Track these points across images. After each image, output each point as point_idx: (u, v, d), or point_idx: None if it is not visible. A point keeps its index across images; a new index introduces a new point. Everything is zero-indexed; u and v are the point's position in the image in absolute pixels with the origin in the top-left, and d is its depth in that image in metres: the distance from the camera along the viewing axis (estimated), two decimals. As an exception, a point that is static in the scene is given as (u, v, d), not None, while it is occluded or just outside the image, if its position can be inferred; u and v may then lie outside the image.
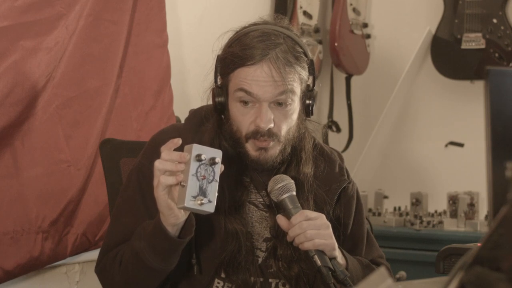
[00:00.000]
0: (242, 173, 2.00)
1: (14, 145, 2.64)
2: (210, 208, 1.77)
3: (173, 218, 1.82)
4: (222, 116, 1.99)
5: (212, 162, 1.78)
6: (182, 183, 1.76)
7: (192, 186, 1.75)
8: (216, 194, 1.78)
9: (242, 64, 1.91)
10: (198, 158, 1.76)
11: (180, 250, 1.88)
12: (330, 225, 1.90)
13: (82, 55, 2.83)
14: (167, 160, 1.78)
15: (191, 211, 1.81)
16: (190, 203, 1.75)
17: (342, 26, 4.07)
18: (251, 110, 1.92)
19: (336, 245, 1.90)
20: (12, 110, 2.61)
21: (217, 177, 1.78)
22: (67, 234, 2.80)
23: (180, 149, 1.82)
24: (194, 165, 1.76)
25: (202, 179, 1.76)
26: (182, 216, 1.83)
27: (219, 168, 1.79)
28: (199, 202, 1.76)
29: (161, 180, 1.77)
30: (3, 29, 2.59)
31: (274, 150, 1.94)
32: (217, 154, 1.79)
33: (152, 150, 2.01)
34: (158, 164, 1.79)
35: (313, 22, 4.01)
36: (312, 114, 2.02)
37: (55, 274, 2.87)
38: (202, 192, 1.76)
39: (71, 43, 2.79)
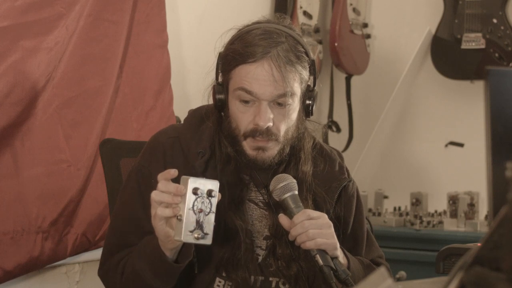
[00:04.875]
0: (241, 171, 2.00)
1: (14, 145, 2.64)
2: (207, 241, 1.78)
3: (171, 244, 1.83)
4: (222, 114, 1.99)
5: (209, 194, 1.77)
6: (178, 217, 1.77)
7: (189, 221, 1.76)
8: (213, 224, 1.78)
9: (243, 61, 1.91)
10: (195, 191, 1.76)
11: (179, 272, 1.89)
12: (332, 224, 1.89)
13: (82, 55, 2.83)
14: (163, 192, 1.78)
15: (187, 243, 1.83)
16: (187, 237, 1.76)
17: (342, 26, 4.07)
18: (251, 108, 1.92)
19: (338, 244, 1.90)
20: (12, 110, 2.62)
21: (214, 209, 1.78)
22: (67, 234, 2.80)
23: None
24: (190, 198, 1.76)
25: (199, 212, 1.76)
26: (180, 242, 1.83)
27: (216, 200, 1.78)
28: (196, 235, 1.76)
29: (158, 213, 1.78)
30: (3, 29, 2.59)
31: (272, 151, 1.94)
32: (214, 186, 1.78)
33: (151, 151, 2.01)
34: (154, 196, 1.79)
35: (313, 22, 4.01)
36: (312, 114, 2.02)
37: (55, 274, 2.87)
38: (199, 226, 1.77)
39: (71, 43, 2.79)
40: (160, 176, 1.80)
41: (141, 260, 1.90)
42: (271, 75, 1.89)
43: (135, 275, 1.91)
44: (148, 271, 1.88)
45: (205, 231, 1.77)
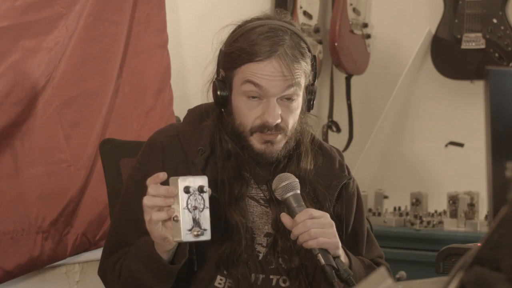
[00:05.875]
0: (241, 167, 2.00)
1: (14, 145, 2.64)
2: (206, 237, 1.79)
3: (168, 245, 1.83)
4: (223, 110, 1.99)
5: (201, 190, 1.78)
6: (174, 218, 1.77)
7: (186, 220, 1.76)
8: (209, 219, 1.79)
9: (250, 59, 1.91)
10: (186, 190, 1.77)
11: (176, 273, 1.90)
12: (334, 224, 1.90)
13: (82, 55, 2.83)
14: (155, 196, 1.78)
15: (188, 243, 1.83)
16: (186, 237, 1.77)
17: (342, 26, 4.07)
18: (258, 105, 1.93)
19: (340, 244, 1.90)
20: (12, 110, 2.62)
21: (207, 204, 1.79)
22: (67, 234, 2.80)
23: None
24: (183, 197, 1.77)
25: (194, 210, 1.77)
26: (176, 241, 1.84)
27: (208, 195, 1.79)
28: (195, 233, 1.77)
29: (153, 218, 1.78)
30: (3, 29, 2.59)
31: (280, 144, 1.95)
32: (204, 181, 1.79)
33: (149, 149, 2.01)
34: (146, 201, 1.79)
35: (313, 22, 4.01)
36: (312, 108, 2.03)
37: (55, 274, 2.87)
38: (196, 223, 1.77)
39: (71, 43, 2.79)
40: (149, 181, 1.81)
41: (137, 262, 1.90)
42: (280, 72, 1.90)
43: (132, 276, 1.91)
44: (145, 273, 1.88)
45: (203, 227, 1.77)
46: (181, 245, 1.86)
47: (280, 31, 1.94)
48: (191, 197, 1.77)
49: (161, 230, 1.80)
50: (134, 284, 1.92)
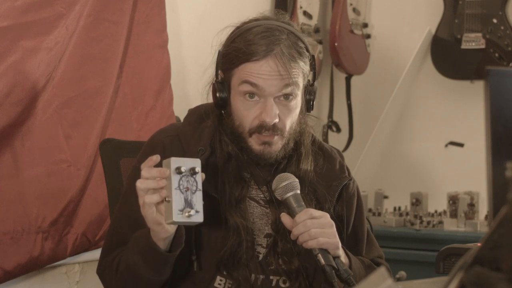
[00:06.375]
0: (242, 169, 2.00)
1: (14, 145, 2.64)
2: (198, 218, 1.77)
3: (164, 232, 1.83)
4: (223, 112, 1.99)
5: (193, 172, 1.78)
6: (166, 199, 1.77)
7: (177, 200, 1.76)
8: (202, 203, 1.78)
9: (247, 59, 1.91)
10: (178, 170, 1.76)
11: (172, 262, 1.89)
12: (334, 224, 1.90)
13: (82, 55, 2.83)
14: (147, 178, 1.79)
15: (180, 224, 1.82)
16: (178, 217, 1.75)
17: (342, 26, 4.07)
18: (256, 105, 1.93)
19: (340, 244, 1.90)
20: (12, 110, 2.62)
21: (200, 186, 1.78)
22: (67, 234, 2.80)
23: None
24: (175, 178, 1.76)
25: (186, 191, 1.77)
26: (172, 229, 1.84)
27: (200, 177, 1.79)
28: (186, 214, 1.76)
29: (146, 200, 1.78)
30: (3, 29, 2.59)
31: (278, 145, 1.95)
32: (196, 164, 1.79)
33: (150, 149, 2.01)
34: (139, 184, 1.80)
35: (313, 22, 4.01)
36: (312, 109, 2.03)
37: (55, 274, 2.87)
38: (188, 204, 1.76)
39: (71, 43, 2.79)
40: (143, 165, 1.81)
41: (134, 253, 1.90)
42: (276, 71, 1.90)
43: (129, 269, 1.91)
44: (141, 263, 1.88)
45: (195, 209, 1.76)
46: (177, 234, 1.86)
47: (276, 30, 1.94)
48: (183, 178, 1.77)
49: (155, 214, 1.79)
50: (131, 278, 1.92)
